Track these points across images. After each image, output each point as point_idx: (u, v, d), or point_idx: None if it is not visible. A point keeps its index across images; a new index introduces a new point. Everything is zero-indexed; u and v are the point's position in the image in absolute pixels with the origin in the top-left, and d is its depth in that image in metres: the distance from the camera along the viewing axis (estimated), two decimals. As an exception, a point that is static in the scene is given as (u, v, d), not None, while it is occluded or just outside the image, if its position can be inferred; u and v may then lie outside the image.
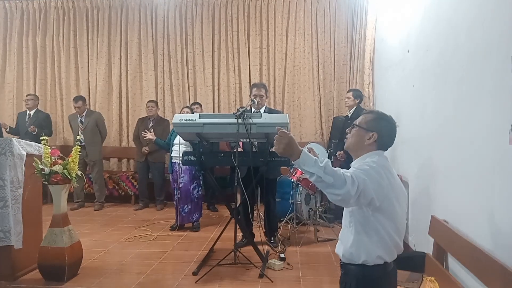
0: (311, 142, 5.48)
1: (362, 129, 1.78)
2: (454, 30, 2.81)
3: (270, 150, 3.65)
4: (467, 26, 2.61)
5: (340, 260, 1.80)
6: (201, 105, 5.99)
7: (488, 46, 2.29)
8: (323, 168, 1.52)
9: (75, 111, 6.02)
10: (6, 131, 5.86)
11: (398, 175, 1.82)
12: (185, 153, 3.79)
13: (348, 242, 1.71)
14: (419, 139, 3.49)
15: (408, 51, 3.91)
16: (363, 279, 1.69)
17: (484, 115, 2.29)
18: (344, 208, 1.78)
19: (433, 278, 2.70)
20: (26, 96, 6.18)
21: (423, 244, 3.15)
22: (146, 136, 5.11)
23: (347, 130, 1.87)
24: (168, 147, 4.96)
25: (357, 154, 1.79)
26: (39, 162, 3.13)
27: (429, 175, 3.21)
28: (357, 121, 1.83)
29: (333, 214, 5.15)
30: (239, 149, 3.94)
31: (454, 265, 2.63)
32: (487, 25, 2.32)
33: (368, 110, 4.77)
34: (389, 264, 1.69)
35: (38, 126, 5.88)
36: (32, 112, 6.04)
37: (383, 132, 1.76)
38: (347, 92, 5.29)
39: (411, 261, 2.91)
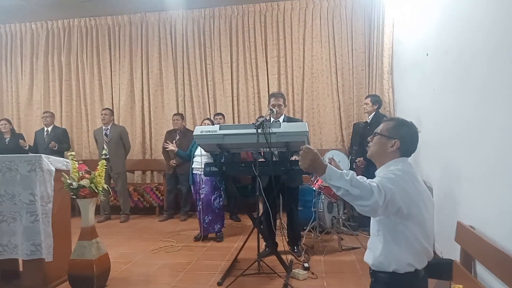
0: (332, 149, 5.46)
1: (384, 137, 1.78)
2: (472, 31, 2.77)
3: (291, 159, 3.66)
4: (485, 26, 2.57)
5: (370, 268, 1.80)
6: (223, 116, 6.07)
7: (508, 45, 2.25)
8: (349, 181, 1.54)
9: (100, 122, 6.22)
10: (25, 148, 6.02)
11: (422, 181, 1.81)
12: (207, 164, 3.84)
13: (377, 251, 1.72)
14: (441, 143, 3.43)
15: (427, 55, 3.87)
16: (393, 286, 1.70)
17: (507, 116, 2.25)
18: (371, 217, 1.78)
19: (461, 286, 2.63)
20: (44, 113, 6.40)
21: (450, 250, 3.08)
22: (168, 147, 5.21)
23: (368, 139, 1.88)
24: (189, 158, 5.04)
25: (380, 162, 1.79)
26: (67, 177, 3.24)
27: (453, 179, 3.15)
28: (378, 129, 1.84)
29: (357, 222, 5.09)
30: (261, 159, 3.97)
31: (483, 272, 2.56)
32: (506, 24, 2.29)
33: (388, 116, 4.74)
34: (420, 271, 1.69)
35: (57, 141, 6.09)
36: (49, 129, 6.25)
37: (405, 138, 1.76)
38: (365, 98, 5.26)
39: (438, 268, 2.83)
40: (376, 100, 5.05)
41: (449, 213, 3.18)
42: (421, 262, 1.70)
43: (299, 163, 1.62)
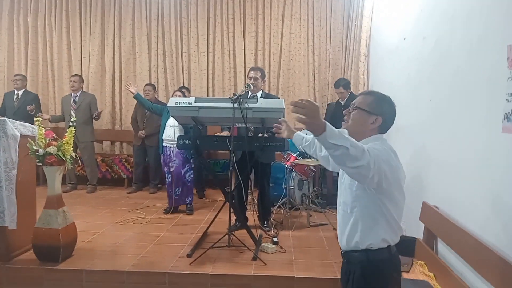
0: (304, 129, 5.50)
1: (364, 112, 1.66)
2: (451, 19, 2.82)
3: (265, 135, 3.66)
4: (464, 15, 2.62)
5: (342, 249, 1.75)
6: (188, 90, 5.95)
7: (485, 35, 2.31)
8: (348, 139, 1.40)
9: (68, 89, 5.94)
10: None
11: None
12: (180, 137, 3.77)
13: (350, 229, 1.67)
14: (413, 127, 3.53)
15: (405, 39, 3.92)
16: (367, 264, 1.64)
17: (478, 104, 2.33)
18: (344, 194, 1.71)
19: (422, 262, 2.77)
20: (15, 76, 6.04)
21: (414, 229, 3.22)
22: (129, 88, 4.98)
23: (344, 112, 1.75)
24: (150, 106, 5.05)
25: (357, 138, 1.60)
26: (34, 144, 3.10)
27: (422, 162, 3.26)
28: (356, 102, 1.70)
29: (325, 200, 5.22)
30: (226, 133, 3.94)
31: (444, 250, 2.70)
32: (484, 13, 2.34)
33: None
34: (392, 247, 1.66)
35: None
36: (20, 92, 5.92)
37: (386, 115, 1.66)
38: (336, 87, 5.19)
39: (402, 245, 2.93)
40: (347, 83, 5.13)
41: (416, 194, 3.30)
42: (395, 238, 1.67)
43: (299, 117, 1.42)
